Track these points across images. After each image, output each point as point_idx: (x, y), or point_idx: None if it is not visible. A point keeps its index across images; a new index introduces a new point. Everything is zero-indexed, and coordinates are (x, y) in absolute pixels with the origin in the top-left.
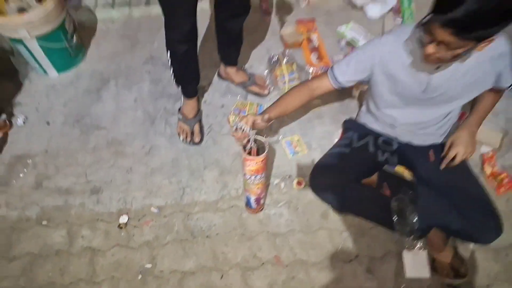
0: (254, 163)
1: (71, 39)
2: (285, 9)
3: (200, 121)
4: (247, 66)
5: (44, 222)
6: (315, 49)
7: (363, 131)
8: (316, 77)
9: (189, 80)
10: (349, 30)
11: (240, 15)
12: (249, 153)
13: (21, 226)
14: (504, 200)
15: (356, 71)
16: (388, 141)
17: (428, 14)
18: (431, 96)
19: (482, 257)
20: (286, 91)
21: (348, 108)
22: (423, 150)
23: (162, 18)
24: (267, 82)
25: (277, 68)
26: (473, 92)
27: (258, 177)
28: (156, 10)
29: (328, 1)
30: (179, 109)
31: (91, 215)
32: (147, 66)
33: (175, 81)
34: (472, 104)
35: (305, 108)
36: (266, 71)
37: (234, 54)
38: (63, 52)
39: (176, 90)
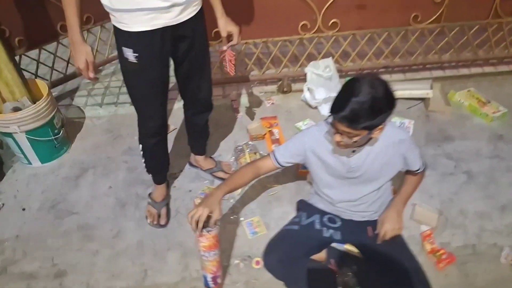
0: (205, 239)
1: (58, 133)
2: (252, 108)
3: (167, 204)
4: (216, 154)
5: None
6: (276, 141)
7: (311, 210)
8: (261, 158)
9: (159, 169)
10: (305, 126)
11: (204, 112)
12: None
13: None
14: (444, 275)
15: (291, 154)
16: (333, 218)
17: (330, 114)
18: (354, 175)
19: None
20: None
21: (304, 191)
22: (363, 226)
23: None
24: (233, 169)
25: (242, 157)
26: (388, 172)
27: (212, 253)
28: None
29: (289, 102)
30: (149, 194)
31: None
32: (125, 157)
33: (147, 169)
34: (399, 186)
35: (265, 191)
36: (232, 158)
37: (201, 144)
38: (49, 145)
39: (148, 177)
